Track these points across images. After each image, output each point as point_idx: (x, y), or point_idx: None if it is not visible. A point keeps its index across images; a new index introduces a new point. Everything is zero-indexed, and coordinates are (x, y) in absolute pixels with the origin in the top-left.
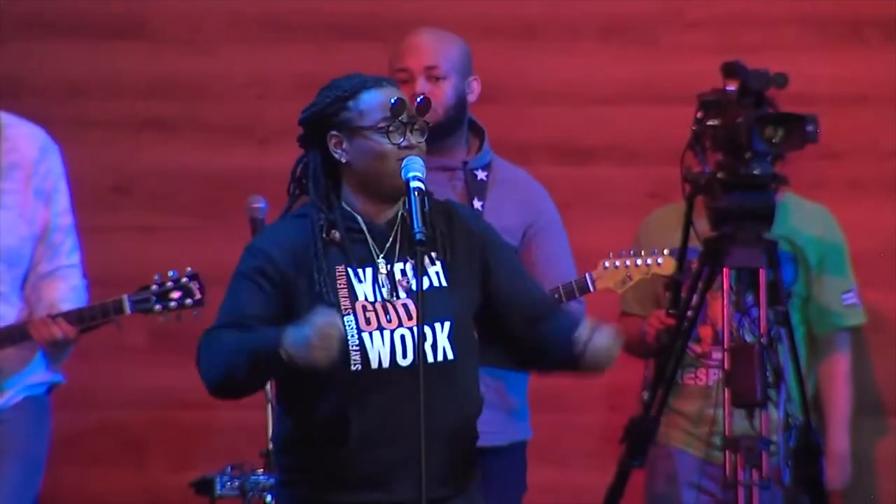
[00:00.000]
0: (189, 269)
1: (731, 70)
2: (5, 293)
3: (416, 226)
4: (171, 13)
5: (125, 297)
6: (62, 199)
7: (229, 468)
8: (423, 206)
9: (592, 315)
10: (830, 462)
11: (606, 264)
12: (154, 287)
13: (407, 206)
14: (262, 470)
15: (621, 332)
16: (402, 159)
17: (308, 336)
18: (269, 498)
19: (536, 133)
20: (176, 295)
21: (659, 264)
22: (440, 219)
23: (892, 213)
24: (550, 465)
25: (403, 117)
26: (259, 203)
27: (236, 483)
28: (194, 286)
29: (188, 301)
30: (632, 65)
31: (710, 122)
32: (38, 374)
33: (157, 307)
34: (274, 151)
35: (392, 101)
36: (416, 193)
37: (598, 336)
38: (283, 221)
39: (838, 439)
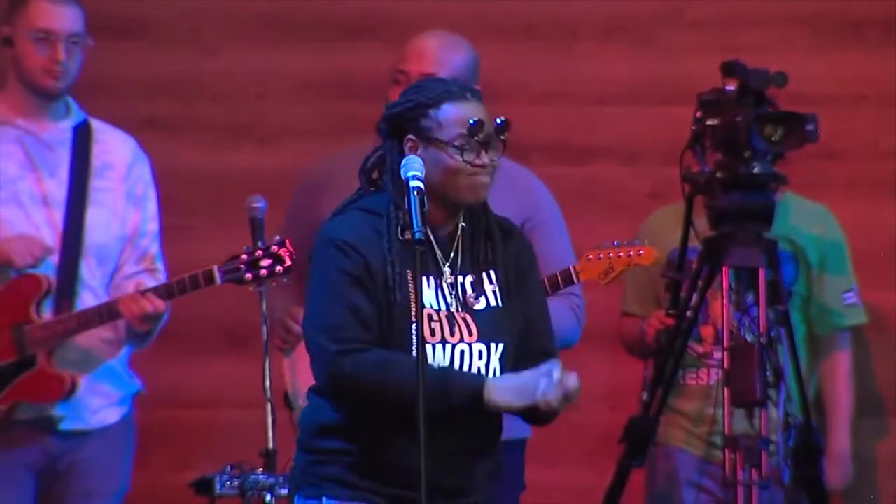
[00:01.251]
0: (277, 237)
1: (730, 69)
2: (95, 288)
3: (415, 225)
4: (171, 13)
5: (215, 267)
6: (151, 206)
7: (229, 468)
8: (422, 206)
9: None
10: (832, 462)
11: (590, 256)
12: (244, 256)
13: (407, 206)
14: (261, 469)
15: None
16: (474, 176)
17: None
18: (268, 497)
19: (536, 133)
20: (266, 263)
21: (640, 255)
22: (498, 235)
23: (892, 213)
24: (550, 465)
25: (480, 137)
26: (258, 203)
27: (235, 483)
28: (284, 253)
29: (278, 269)
30: (632, 65)
31: (709, 122)
32: (126, 381)
33: (248, 276)
34: (274, 151)
35: (471, 121)
36: (415, 193)
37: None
38: (354, 215)
39: (840, 439)
